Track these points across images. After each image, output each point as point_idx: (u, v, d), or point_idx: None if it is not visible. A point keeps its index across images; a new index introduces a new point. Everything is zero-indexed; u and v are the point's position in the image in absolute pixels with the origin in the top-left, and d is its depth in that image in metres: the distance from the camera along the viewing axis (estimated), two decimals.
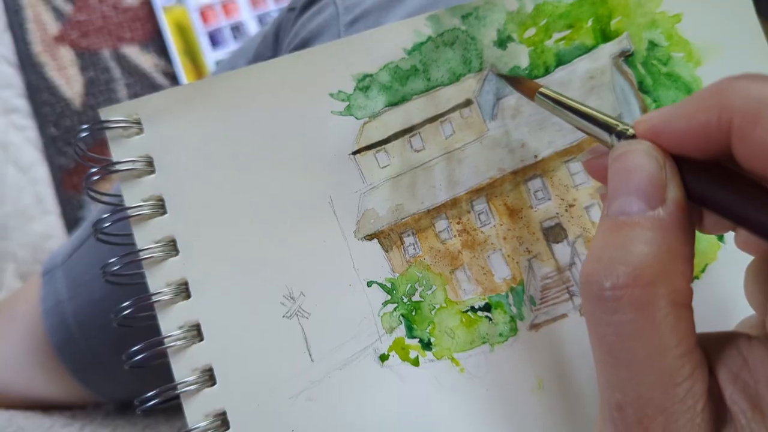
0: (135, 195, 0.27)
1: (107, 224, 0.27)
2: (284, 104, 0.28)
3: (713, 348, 0.19)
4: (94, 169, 0.26)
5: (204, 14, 0.81)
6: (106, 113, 0.27)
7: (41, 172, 0.75)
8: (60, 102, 0.78)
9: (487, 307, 0.28)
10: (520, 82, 0.28)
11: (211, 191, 0.27)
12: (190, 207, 0.27)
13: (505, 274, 0.28)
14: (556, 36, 0.29)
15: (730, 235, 0.29)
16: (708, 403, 0.18)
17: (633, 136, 0.20)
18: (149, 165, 0.27)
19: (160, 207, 0.27)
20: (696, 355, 0.18)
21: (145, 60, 0.81)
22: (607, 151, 0.21)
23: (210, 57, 0.80)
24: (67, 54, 0.79)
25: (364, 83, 0.28)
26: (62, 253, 0.48)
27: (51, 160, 0.75)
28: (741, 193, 0.18)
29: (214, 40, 0.80)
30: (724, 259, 0.29)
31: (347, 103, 0.28)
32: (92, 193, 0.28)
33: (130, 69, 0.80)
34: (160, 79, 0.80)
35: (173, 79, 0.80)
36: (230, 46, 0.80)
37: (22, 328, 0.48)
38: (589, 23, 0.29)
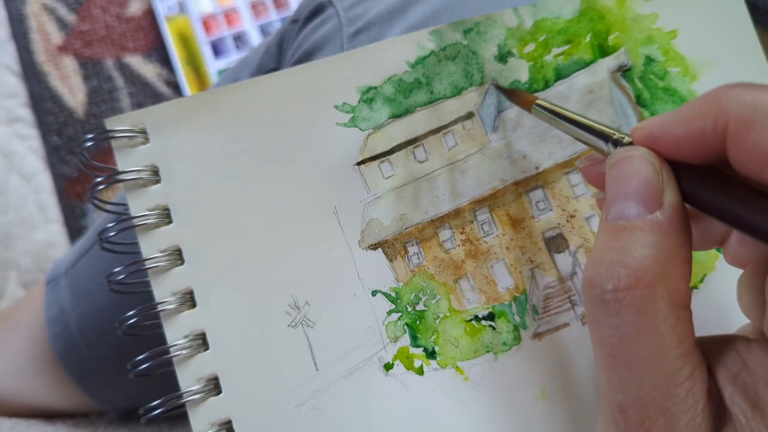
0: (140, 204, 0.27)
1: (112, 233, 0.27)
2: (289, 116, 0.28)
3: (712, 350, 0.20)
4: (99, 179, 0.27)
5: (206, 24, 0.81)
6: (112, 123, 0.27)
7: (44, 180, 0.75)
8: (63, 111, 0.78)
9: (490, 317, 0.28)
10: (517, 94, 0.28)
11: (217, 201, 0.28)
12: (196, 216, 0.27)
13: (508, 283, 0.29)
14: (555, 51, 0.30)
15: None
16: (708, 403, 0.18)
17: (630, 144, 0.21)
18: (155, 174, 0.27)
19: (165, 216, 0.27)
20: (695, 356, 0.19)
21: (147, 69, 0.81)
22: (604, 158, 0.22)
23: (212, 66, 0.80)
24: (70, 63, 0.80)
25: (369, 95, 0.29)
26: (66, 262, 0.48)
27: (54, 169, 0.76)
28: (736, 195, 0.18)
29: (217, 49, 0.81)
30: (723, 269, 0.29)
31: (352, 114, 0.29)
32: (97, 202, 0.28)
33: (132, 78, 0.81)
34: (163, 88, 0.81)
35: (176, 89, 0.81)
36: (232, 56, 0.81)
37: (25, 335, 0.48)
38: (587, 39, 0.30)
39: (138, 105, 0.80)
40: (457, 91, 0.29)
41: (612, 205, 0.19)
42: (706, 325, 0.28)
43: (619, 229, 0.19)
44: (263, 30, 0.83)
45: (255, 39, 0.82)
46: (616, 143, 0.21)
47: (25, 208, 0.73)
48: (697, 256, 0.29)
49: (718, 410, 0.19)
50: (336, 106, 0.29)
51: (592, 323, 0.19)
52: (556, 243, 0.29)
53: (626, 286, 0.18)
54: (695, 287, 0.29)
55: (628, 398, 0.18)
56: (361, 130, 0.29)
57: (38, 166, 0.76)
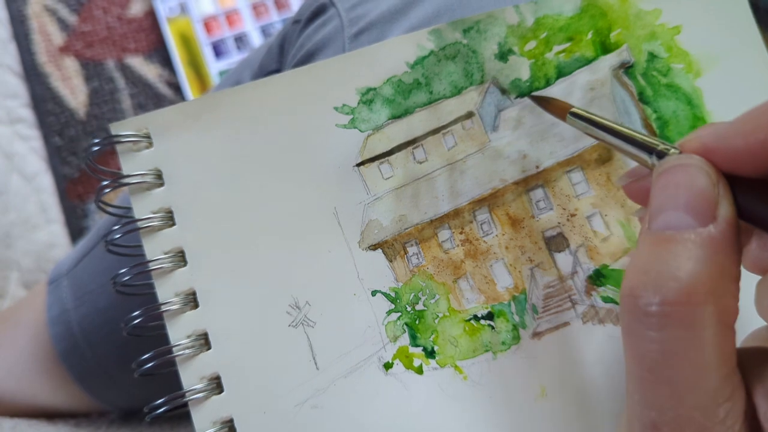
0: (144, 207, 0.28)
1: (118, 236, 0.27)
2: (290, 118, 0.28)
3: (747, 365, 0.19)
4: (105, 182, 0.27)
5: (207, 25, 0.82)
6: (116, 128, 0.28)
7: (45, 181, 0.75)
8: (65, 112, 0.78)
9: (489, 316, 0.28)
10: (549, 102, 0.28)
11: (219, 203, 0.28)
12: (198, 218, 0.28)
13: (507, 283, 0.29)
14: (557, 48, 0.30)
15: None
16: (744, 424, 0.18)
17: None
18: (158, 178, 0.28)
19: (169, 219, 0.28)
20: (736, 375, 0.18)
21: (149, 70, 0.81)
22: (647, 172, 0.21)
23: (213, 67, 0.80)
24: (71, 64, 0.80)
25: (368, 97, 0.29)
26: (68, 262, 0.49)
27: (55, 170, 0.76)
28: None
29: (218, 50, 0.81)
30: None
31: (351, 116, 0.29)
32: (102, 205, 0.28)
33: (134, 79, 0.81)
34: (164, 89, 0.81)
35: (177, 90, 0.81)
36: (233, 57, 0.81)
37: (27, 335, 0.48)
38: (589, 36, 0.30)
39: (139, 106, 0.80)
40: (457, 91, 0.29)
41: (659, 214, 0.18)
42: None
43: (666, 239, 0.18)
44: (264, 31, 0.83)
45: (256, 40, 0.82)
46: (661, 155, 0.20)
47: (27, 209, 0.73)
48: None
49: (752, 428, 0.18)
50: (336, 108, 0.29)
51: (630, 336, 0.18)
52: (556, 242, 0.29)
53: (676, 301, 0.17)
54: None
55: (664, 416, 0.18)
56: (360, 131, 0.29)
57: (40, 166, 0.76)
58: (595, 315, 0.29)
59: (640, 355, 0.18)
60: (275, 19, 0.83)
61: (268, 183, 0.28)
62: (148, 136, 0.28)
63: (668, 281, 0.17)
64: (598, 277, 0.29)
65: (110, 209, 0.29)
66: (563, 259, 0.29)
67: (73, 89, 0.79)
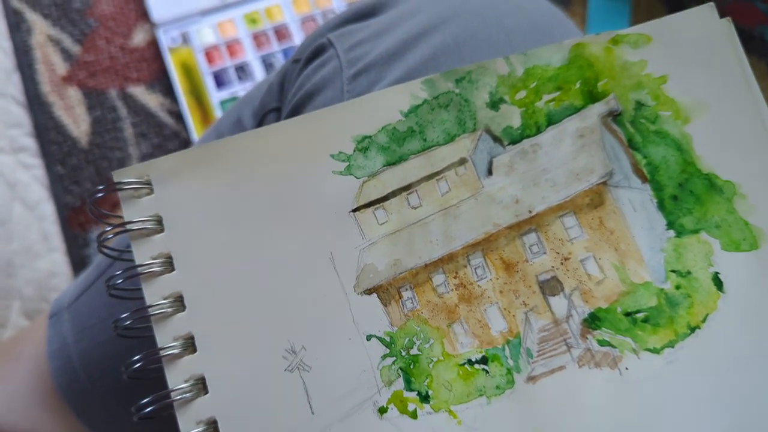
0: (145, 253, 0.28)
1: (120, 281, 0.28)
2: (287, 165, 0.29)
3: None
4: (107, 229, 0.28)
5: (209, 55, 0.83)
6: (119, 175, 0.28)
7: (48, 209, 0.76)
8: (67, 141, 0.79)
9: (484, 360, 0.29)
10: None
11: (218, 249, 0.28)
12: (198, 264, 0.28)
13: (501, 327, 0.29)
14: (546, 97, 0.31)
15: (730, 284, 0.29)
16: None
17: None
18: (159, 224, 0.28)
19: (168, 264, 0.28)
20: None
21: (151, 99, 0.82)
22: None
23: (215, 97, 0.81)
24: (74, 94, 0.81)
25: (363, 144, 0.30)
26: (69, 296, 0.49)
27: (57, 198, 0.77)
28: None
29: (219, 80, 0.82)
30: (725, 308, 0.29)
31: (347, 163, 0.30)
32: (105, 250, 0.29)
33: (136, 108, 0.82)
34: (166, 118, 0.82)
35: (178, 119, 0.82)
36: (235, 86, 0.82)
37: (27, 369, 0.49)
38: (577, 85, 0.31)
39: (141, 135, 0.81)
40: (450, 138, 0.30)
41: None
42: (710, 365, 0.28)
43: None
44: (265, 61, 0.84)
45: (257, 70, 0.83)
46: None
47: (29, 237, 0.74)
48: (698, 296, 0.29)
49: None
50: (332, 155, 0.29)
51: None
52: (550, 286, 0.30)
53: None
54: (698, 327, 0.29)
55: None
56: (356, 177, 0.30)
57: (42, 195, 0.77)
58: (591, 358, 0.29)
59: None
60: (276, 49, 0.84)
61: (265, 229, 0.29)
62: (149, 183, 0.29)
63: None
64: (593, 321, 0.29)
65: (111, 253, 0.30)
66: (558, 303, 0.30)
67: (75, 118, 0.80)
